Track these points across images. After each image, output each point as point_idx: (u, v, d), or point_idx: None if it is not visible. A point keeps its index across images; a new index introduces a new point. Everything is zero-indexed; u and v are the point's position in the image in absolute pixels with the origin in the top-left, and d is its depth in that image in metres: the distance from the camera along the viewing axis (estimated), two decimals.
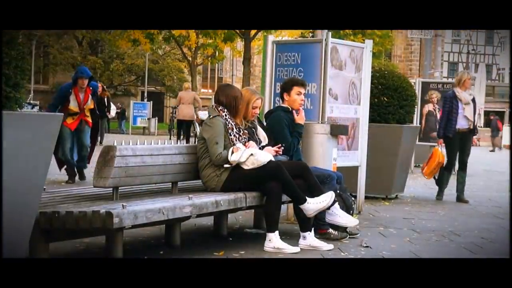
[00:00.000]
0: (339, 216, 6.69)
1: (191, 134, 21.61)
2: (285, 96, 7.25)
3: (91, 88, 10.76)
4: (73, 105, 10.56)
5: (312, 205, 6.26)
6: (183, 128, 20.88)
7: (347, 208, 6.95)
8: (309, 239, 6.36)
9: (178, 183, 6.38)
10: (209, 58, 41.82)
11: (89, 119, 10.84)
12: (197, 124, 21.21)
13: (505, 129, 38.87)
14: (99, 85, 22.89)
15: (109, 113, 22.46)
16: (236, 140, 6.36)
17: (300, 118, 7.17)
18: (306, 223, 6.39)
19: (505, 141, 37.31)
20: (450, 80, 24.77)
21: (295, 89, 7.21)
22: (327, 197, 6.31)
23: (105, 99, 19.92)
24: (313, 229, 6.49)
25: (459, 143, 10.50)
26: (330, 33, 8.06)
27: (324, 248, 6.33)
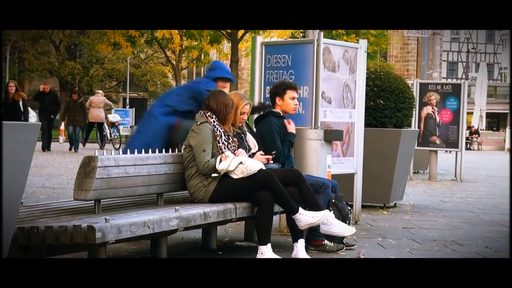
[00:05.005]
0: (334, 226, 6.66)
1: (104, 133, 24.37)
2: (278, 101, 7.23)
3: None
4: None
5: (305, 217, 6.25)
6: (95, 128, 23.57)
7: (343, 218, 6.95)
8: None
9: (164, 194, 6.37)
10: (194, 61, 41.81)
11: None
12: (106, 126, 24.44)
13: (507, 131, 38.82)
14: (12, 84, 19.30)
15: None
16: (224, 148, 6.34)
17: (292, 128, 7.17)
18: (300, 234, 6.40)
19: (508, 144, 37.30)
20: (449, 80, 24.81)
21: (289, 93, 7.19)
22: (321, 215, 6.31)
23: (20, 102, 18.70)
24: (307, 240, 6.50)
25: None
26: (322, 33, 8.07)
27: None
